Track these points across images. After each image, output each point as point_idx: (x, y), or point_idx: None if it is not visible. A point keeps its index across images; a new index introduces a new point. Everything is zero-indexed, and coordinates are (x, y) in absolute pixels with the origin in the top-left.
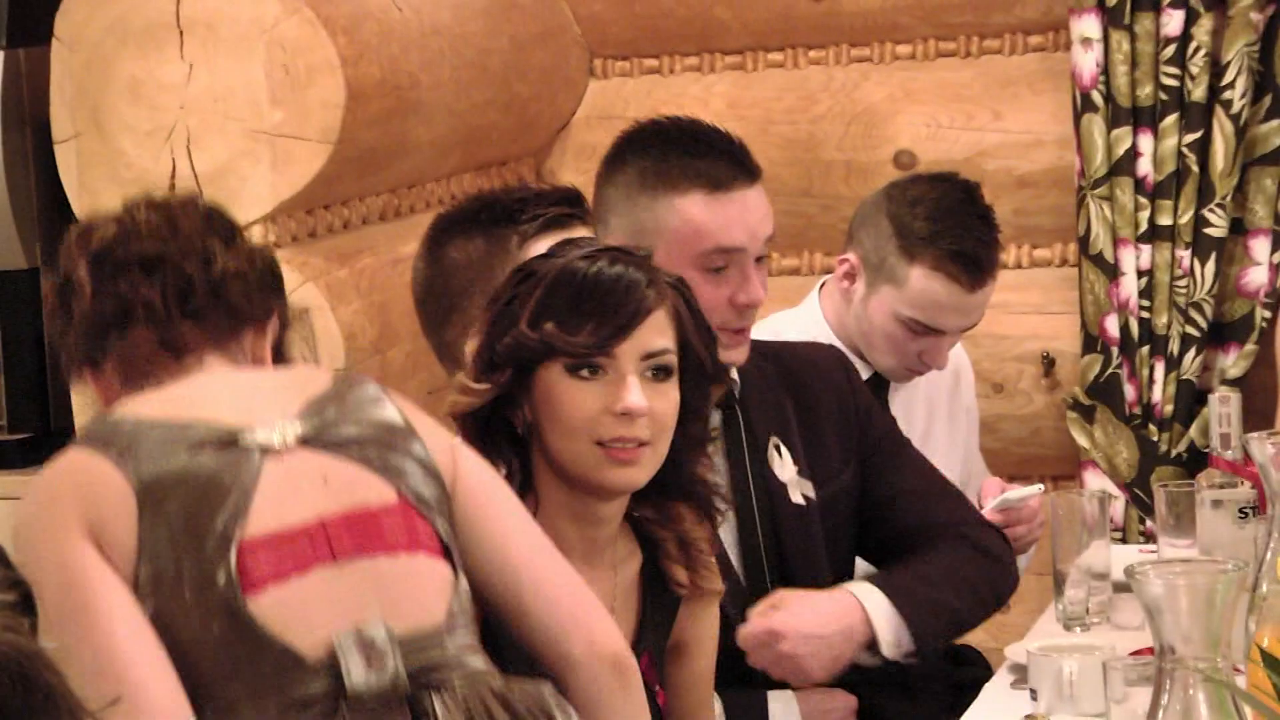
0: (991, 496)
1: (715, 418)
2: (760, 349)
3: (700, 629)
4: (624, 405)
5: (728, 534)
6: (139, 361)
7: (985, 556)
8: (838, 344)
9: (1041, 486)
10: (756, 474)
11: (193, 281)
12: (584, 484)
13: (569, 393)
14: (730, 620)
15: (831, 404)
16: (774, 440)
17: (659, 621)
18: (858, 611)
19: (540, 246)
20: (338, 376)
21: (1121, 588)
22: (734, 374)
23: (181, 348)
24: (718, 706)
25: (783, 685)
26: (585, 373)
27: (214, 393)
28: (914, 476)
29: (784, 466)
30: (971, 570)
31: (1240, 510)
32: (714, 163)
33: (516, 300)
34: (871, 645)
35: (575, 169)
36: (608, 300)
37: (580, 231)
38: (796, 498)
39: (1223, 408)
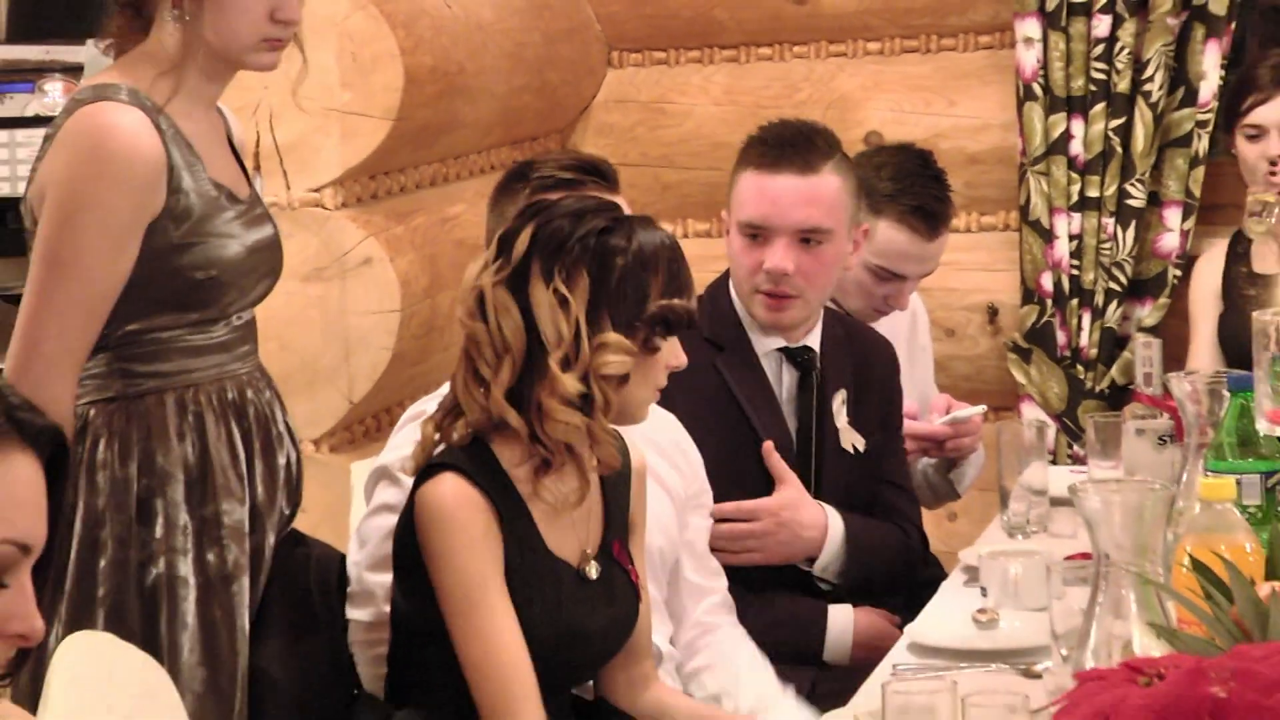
0: (938, 410)
1: (794, 375)
2: (837, 320)
3: (640, 503)
4: (678, 361)
5: (789, 461)
6: None
7: (911, 551)
8: None
9: (984, 407)
10: (819, 422)
11: None
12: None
13: (665, 349)
14: None
15: (879, 378)
16: (841, 393)
17: (617, 508)
18: (822, 535)
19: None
20: None
21: (1056, 502)
22: (815, 344)
23: None
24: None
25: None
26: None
27: None
28: (897, 463)
29: (841, 414)
30: (901, 556)
31: (1160, 438)
32: (768, 149)
33: (641, 275)
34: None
35: (595, 145)
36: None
37: (595, 193)
38: (846, 444)
39: (1146, 351)
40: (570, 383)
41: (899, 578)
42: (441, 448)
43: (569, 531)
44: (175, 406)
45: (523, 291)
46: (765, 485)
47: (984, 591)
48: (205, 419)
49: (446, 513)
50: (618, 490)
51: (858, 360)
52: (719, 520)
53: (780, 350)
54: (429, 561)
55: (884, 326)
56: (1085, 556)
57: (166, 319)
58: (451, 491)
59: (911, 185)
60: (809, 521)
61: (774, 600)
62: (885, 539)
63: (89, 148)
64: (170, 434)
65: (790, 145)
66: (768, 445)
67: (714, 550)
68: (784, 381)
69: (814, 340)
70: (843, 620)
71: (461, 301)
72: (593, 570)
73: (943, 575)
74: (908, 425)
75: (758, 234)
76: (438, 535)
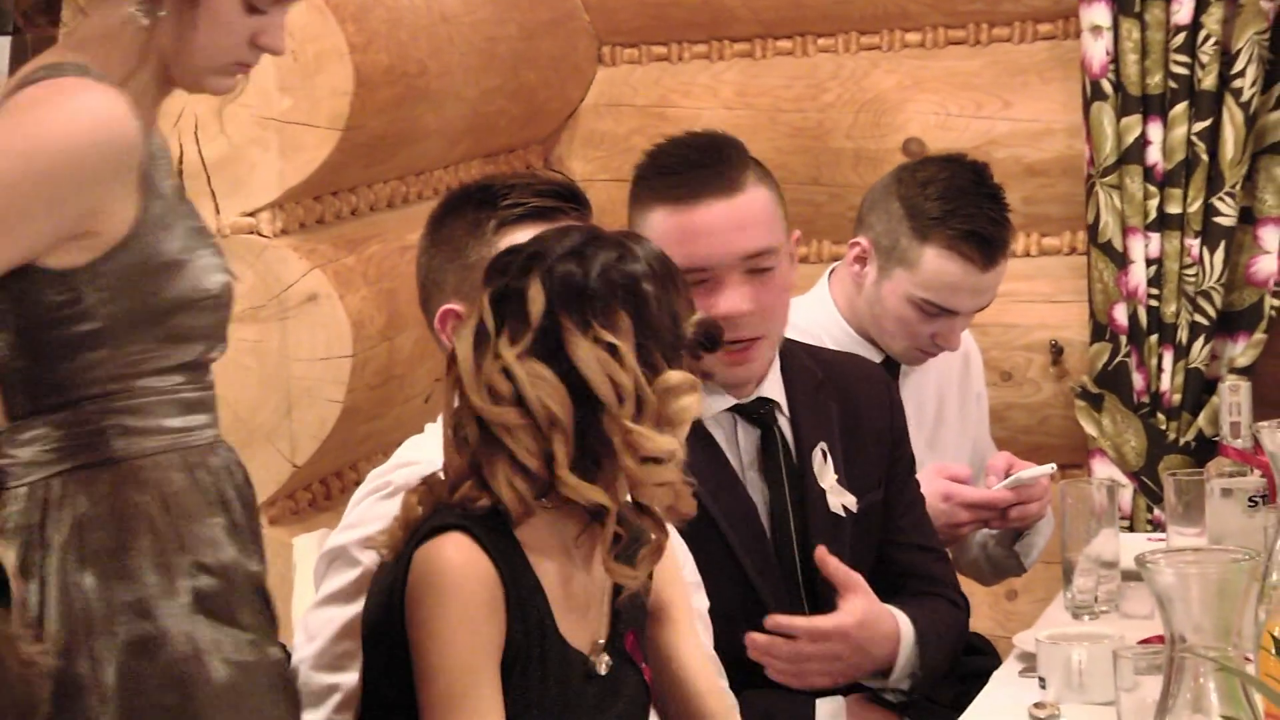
0: (997, 472)
1: (754, 435)
2: (809, 354)
3: (670, 579)
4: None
5: (762, 544)
6: None
7: (964, 625)
8: (848, 329)
9: (1053, 466)
10: (794, 483)
11: None
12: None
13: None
14: (763, 601)
15: (874, 419)
16: (821, 446)
17: (634, 594)
18: (896, 644)
19: (518, 235)
20: None
21: (1130, 576)
22: (775, 391)
23: None
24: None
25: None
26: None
27: None
28: (918, 520)
29: (826, 473)
30: (957, 631)
31: (1250, 499)
32: (679, 179)
33: (656, 302)
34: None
35: (583, 157)
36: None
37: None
38: (835, 507)
39: (1233, 396)
40: (662, 439)
41: (955, 660)
42: (441, 511)
43: (583, 616)
44: (186, 473)
45: (558, 354)
46: (734, 576)
47: (1042, 683)
48: (225, 492)
49: (449, 580)
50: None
51: (844, 403)
52: (772, 631)
53: (732, 410)
54: (413, 635)
55: (931, 371)
56: (1162, 640)
57: (156, 362)
58: (458, 555)
59: (963, 206)
60: (883, 635)
61: (759, 695)
62: (945, 623)
63: (59, 119)
64: (196, 509)
65: (703, 166)
66: (821, 551)
67: (769, 671)
68: (742, 446)
69: (772, 389)
70: (832, 713)
71: (472, 389)
72: (602, 665)
73: (995, 663)
74: (962, 493)
75: (699, 280)
76: (432, 604)
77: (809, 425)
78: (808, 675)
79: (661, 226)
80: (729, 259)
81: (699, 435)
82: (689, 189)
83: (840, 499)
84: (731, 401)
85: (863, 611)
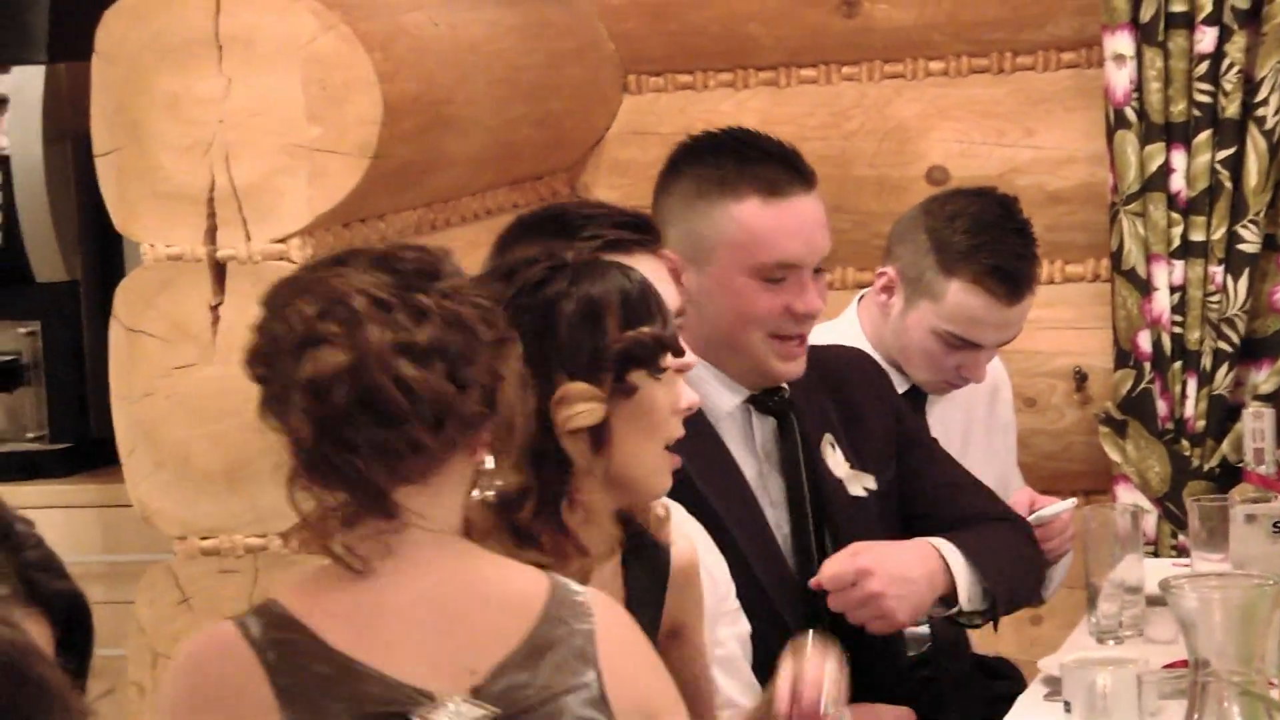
0: (1021, 509)
1: (770, 423)
2: None
3: (690, 606)
4: (688, 402)
5: (781, 533)
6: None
7: (1028, 539)
8: (876, 357)
9: (1075, 501)
10: (811, 472)
11: None
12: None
13: (658, 391)
14: (783, 619)
15: (870, 400)
16: (827, 438)
17: (647, 603)
18: (938, 560)
19: None
20: (544, 617)
21: (1154, 601)
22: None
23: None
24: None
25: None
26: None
27: (403, 627)
28: (948, 472)
29: (838, 463)
30: (1021, 548)
31: (1274, 525)
32: (770, 168)
33: (591, 317)
34: (947, 598)
35: (609, 185)
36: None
37: (642, 258)
38: (856, 490)
39: (1256, 423)
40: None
41: (1040, 577)
42: None
43: None
44: None
45: None
46: (749, 591)
47: (1067, 707)
48: None
49: None
50: (644, 585)
51: (838, 395)
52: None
53: (747, 402)
54: None
55: (958, 399)
56: (1186, 665)
57: None
58: None
59: (990, 240)
60: (914, 559)
61: None
62: (1003, 539)
63: None
64: None
65: (788, 160)
66: (815, 582)
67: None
68: (758, 439)
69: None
70: None
71: None
72: None
73: (1020, 687)
74: None
75: (783, 276)
76: None
77: (810, 419)
78: (863, 618)
79: (757, 217)
80: (816, 256)
81: (708, 441)
82: (785, 180)
83: (860, 482)
84: (746, 394)
85: (872, 548)
